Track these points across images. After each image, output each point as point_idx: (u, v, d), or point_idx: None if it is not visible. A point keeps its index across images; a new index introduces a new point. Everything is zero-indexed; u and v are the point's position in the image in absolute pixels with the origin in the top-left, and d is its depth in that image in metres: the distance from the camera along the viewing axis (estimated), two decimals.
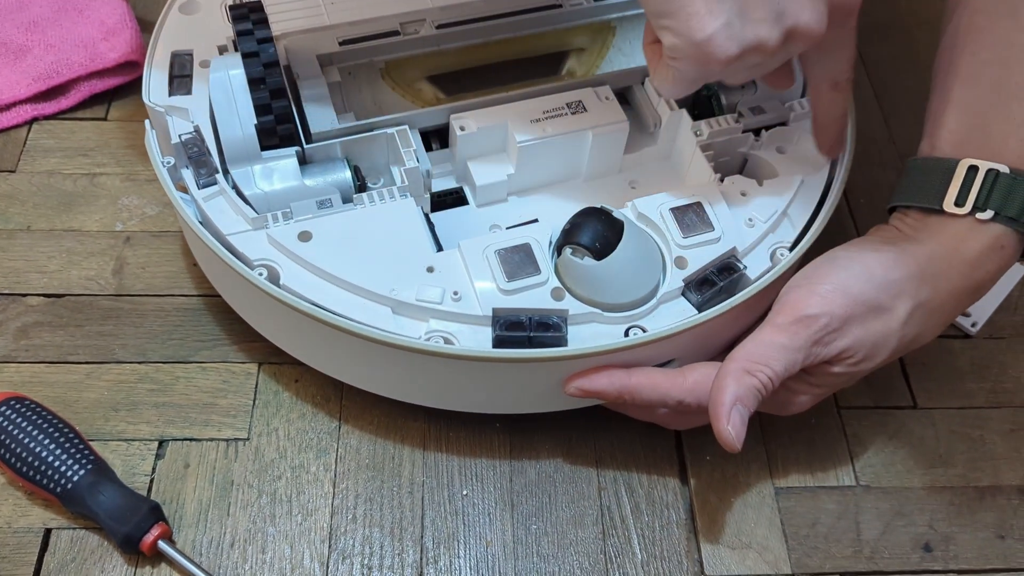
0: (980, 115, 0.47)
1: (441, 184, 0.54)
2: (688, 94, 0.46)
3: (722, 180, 0.52)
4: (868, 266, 0.45)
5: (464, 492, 0.51)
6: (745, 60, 0.42)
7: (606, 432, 0.54)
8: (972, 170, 0.46)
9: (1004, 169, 0.45)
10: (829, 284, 0.45)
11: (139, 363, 0.54)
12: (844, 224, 0.63)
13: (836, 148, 0.53)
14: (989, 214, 0.45)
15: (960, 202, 0.46)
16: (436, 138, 0.55)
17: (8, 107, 0.63)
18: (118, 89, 0.66)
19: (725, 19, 0.40)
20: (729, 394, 0.43)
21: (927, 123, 0.50)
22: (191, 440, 0.52)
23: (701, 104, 0.57)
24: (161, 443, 0.52)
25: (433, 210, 0.53)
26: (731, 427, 0.43)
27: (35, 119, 0.64)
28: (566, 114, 0.53)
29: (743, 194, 0.52)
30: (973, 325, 0.60)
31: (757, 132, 0.55)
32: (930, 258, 0.46)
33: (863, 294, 0.44)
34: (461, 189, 0.54)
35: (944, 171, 0.46)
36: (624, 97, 0.58)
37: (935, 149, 0.48)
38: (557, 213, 0.49)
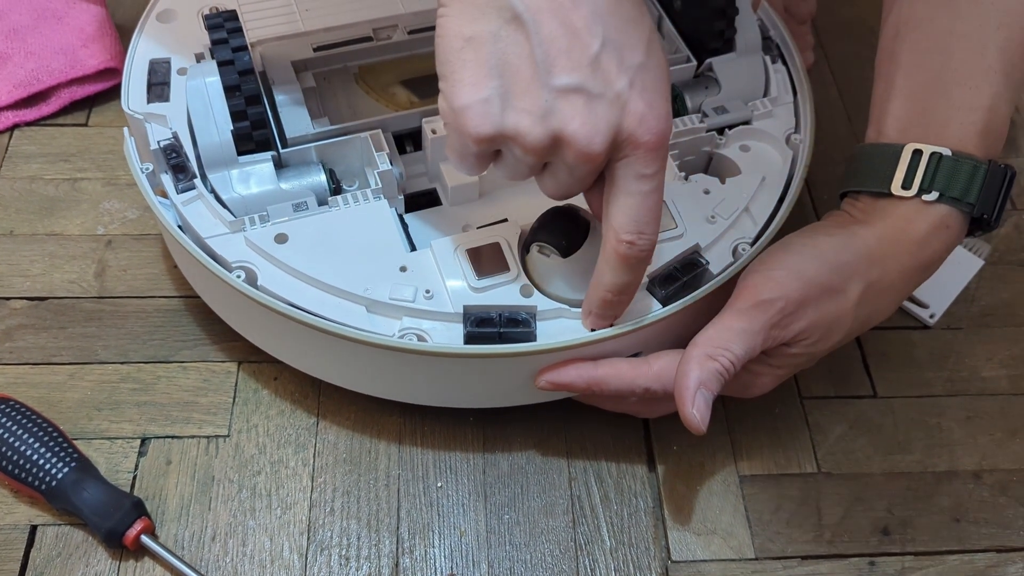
0: (922, 101, 0.49)
1: (415, 185, 0.56)
2: (470, 173, 0.43)
3: (686, 178, 0.54)
4: (820, 250, 0.47)
5: (439, 484, 0.53)
6: (506, 147, 0.41)
7: (576, 424, 0.55)
8: (917, 154, 0.48)
9: (947, 152, 0.47)
10: (784, 269, 0.47)
11: (121, 363, 0.56)
12: (808, 219, 0.65)
13: (592, 321, 0.48)
14: (934, 195, 0.47)
15: (907, 185, 0.48)
16: (410, 141, 0.56)
17: None
18: (98, 95, 0.67)
19: (486, 95, 0.39)
20: (693, 379, 0.45)
21: (872, 111, 0.52)
22: (173, 438, 0.53)
23: None
24: (143, 441, 0.53)
25: (407, 210, 0.54)
26: (696, 411, 0.44)
27: (16, 125, 0.65)
28: None
29: (706, 192, 0.53)
30: (931, 316, 0.62)
31: (721, 131, 0.57)
32: (879, 240, 0.48)
33: (817, 277, 0.46)
34: (434, 190, 0.55)
35: (890, 156, 0.48)
36: None
37: (881, 135, 0.50)
38: (527, 213, 0.50)
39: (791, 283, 0.46)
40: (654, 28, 0.41)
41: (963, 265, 0.64)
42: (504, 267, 0.48)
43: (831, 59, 0.76)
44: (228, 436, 0.53)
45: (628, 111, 0.39)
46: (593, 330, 0.47)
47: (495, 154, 0.42)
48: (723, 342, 0.45)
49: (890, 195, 0.48)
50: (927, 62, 0.49)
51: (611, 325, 0.48)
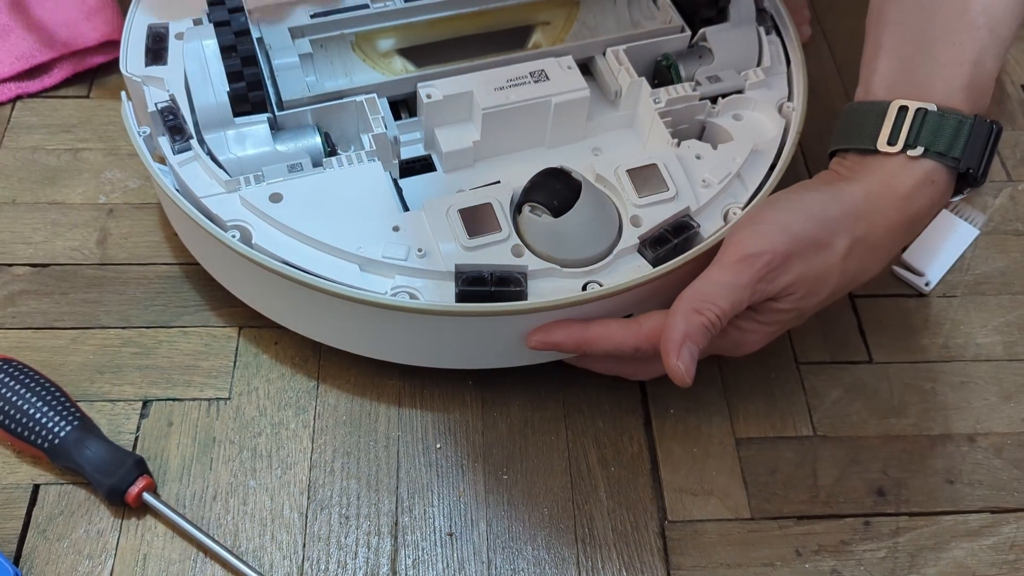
0: (908, 59, 0.49)
1: (410, 152, 0.56)
2: None
3: (679, 144, 0.54)
4: (807, 205, 0.48)
5: (438, 446, 0.53)
6: None
7: (574, 388, 0.56)
8: (902, 110, 0.48)
9: (932, 108, 0.48)
10: (770, 223, 0.47)
11: (123, 328, 0.56)
12: (798, 171, 0.65)
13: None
14: (919, 150, 0.48)
15: (892, 141, 0.48)
16: (405, 108, 0.57)
17: None
18: (99, 68, 0.68)
19: None
20: (678, 331, 0.45)
21: (861, 71, 0.52)
22: (174, 400, 0.54)
23: (660, 74, 0.59)
24: (145, 403, 0.54)
25: (402, 176, 0.55)
26: (680, 362, 0.45)
27: (19, 97, 0.66)
28: (529, 82, 0.55)
29: (698, 157, 0.54)
30: (927, 284, 0.62)
31: (714, 100, 0.58)
32: (866, 195, 0.48)
33: (803, 231, 0.47)
34: (429, 156, 0.56)
35: (877, 113, 0.49)
36: (587, 68, 0.60)
37: (869, 94, 0.50)
38: (520, 176, 0.51)
39: (777, 237, 0.46)
40: None
41: (959, 234, 0.65)
42: (496, 227, 0.49)
43: (828, 34, 0.76)
44: (229, 399, 0.54)
45: None
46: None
47: None
48: (709, 296, 0.46)
49: (876, 152, 0.48)
50: (912, 20, 0.49)
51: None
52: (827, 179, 0.50)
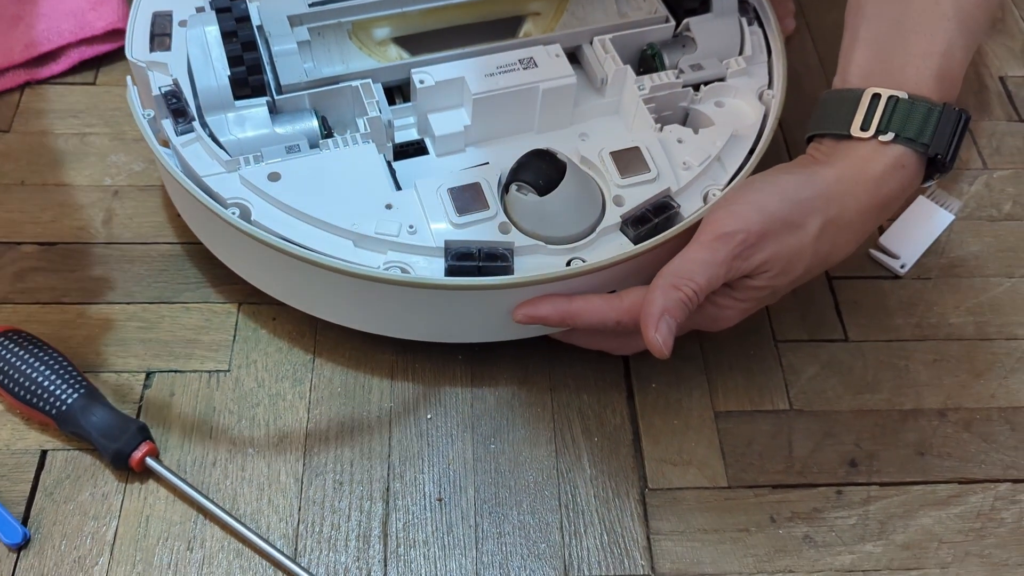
0: (883, 49, 0.52)
1: (404, 136, 0.59)
2: None
3: (661, 129, 0.57)
4: (781, 187, 0.50)
5: (428, 416, 0.56)
6: None
7: (560, 363, 0.58)
8: (875, 97, 0.50)
9: (903, 95, 0.50)
10: (746, 204, 0.49)
11: (127, 304, 0.59)
12: (780, 158, 0.67)
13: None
14: (890, 136, 0.50)
15: (865, 126, 0.50)
16: (399, 94, 0.59)
17: (2, 72, 0.67)
18: (106, 56, 0.70)
19: None
20: (657, 306, 0.47)
21: (840, 60, 0.54)
22: (176, 372, 0.56)
23: (645, 62, 0.62)
24: (148, 375, 0.56)
25: (396, 159, 0.57)
26: (659, 335, 0.47)
27: (28, 83, 0.68)
28: (518, 69, 0.57)
29: (679, 141, 0.56)
30: (902, 267, 0.64)
31: (697, 87, 0.60)
32: (839, 178, 0.50)
33: (777, 211, 0.49)
34: (422, 140, 0.58)
35: (851, 100, 0.51)
36: (574, 56, 0.62)
37: (845, 82, 0.53)
38: (508, 159, 0.53)
39: (752, 216, 0.48)
40: None
41: (934, 219, 0.67)
42: (484, 205, 0.51)
43: (812, 27, 0.79)
44: (228, 371, 0.56)
45: None
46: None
47: None
48: (687, 272, 0.48)
49: (850, 136, 0.51)
50: (887, 12, 0.52)
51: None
52: (803, 163, 0.53)
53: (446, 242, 0.50)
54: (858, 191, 0.50)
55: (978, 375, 0.60)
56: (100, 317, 0.58)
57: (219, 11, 0.52)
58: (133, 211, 0.63)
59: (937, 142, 0.50)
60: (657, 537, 0.52)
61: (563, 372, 0.58)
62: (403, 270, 0.50)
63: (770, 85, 0.60)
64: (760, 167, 0.55)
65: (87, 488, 0.52)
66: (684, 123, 0.60)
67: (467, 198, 0.51)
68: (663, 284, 0.48)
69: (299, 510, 0.52)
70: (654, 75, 0.59)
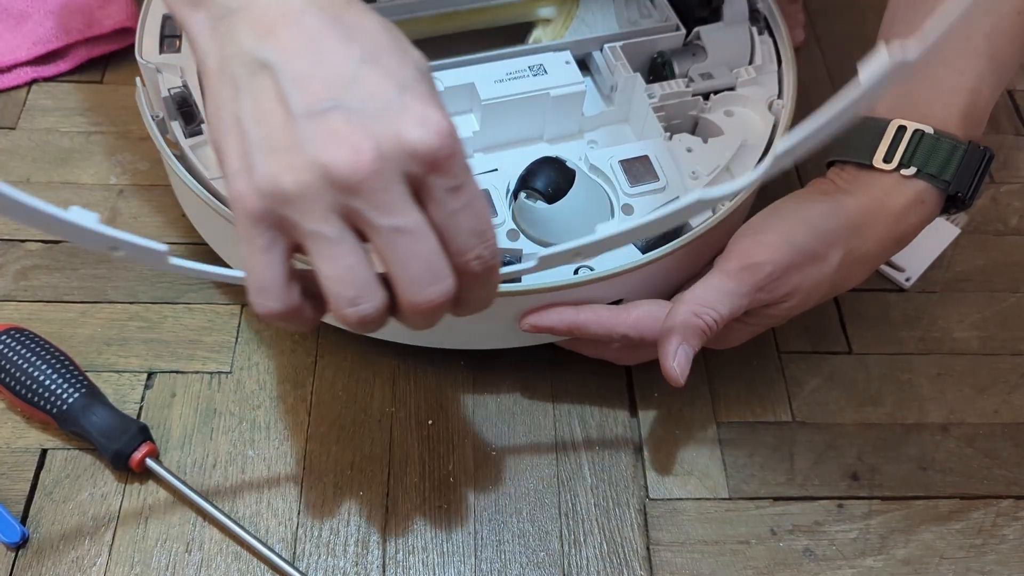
0: (911, 82, 0.51)
1: None
2: (277, 301, 0.37)
3: (670, 138, 0.57)
4: (808, 216, 0.49)
5: (429, 422, 0.56)
6: (285, 217, 0.35)
7: (562, 370, 0.58)
8: (901, 130, 0.50)
9: (929, 130, 0.49)
10: (774, 234, 0.49)
11: (130, 303, 0.58)
12: (789, 178, 0.68)
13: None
14: (912, 170, 0.49)
15: (888, 158, 0.50)
16: None
17: (9, 69, 0.67)
18: (113, 54, 0.70)
19: (242, 163, 0.35)
20: (676, 334, 0.47)
21: None
22: (177, 372, 0.56)
23: (655, 70, 0.62)
24: (150, 375, 0.56)
25: None
26: (676, 364, 0.47)
27: (35, 81, 0.68)
28: (528, 76, 0.57)
29: (689, 150, 0.56)
30: (907, 280, 0.64)
31: (706, 96, 0.60)
32: (861, 210, 0.50)
33: (804, 243, 0.48)
34: None
35: (877, 130, 0.51)
36: (584, 64, 0.62)
37: (872, 111, 0.52)
38: (517, 166, 0.53)
39: (781, 248, 0.48)
40: (422, 59, 0.38)
41: (940, 233, 0.67)
42: (492, 212, 0.51)
43: (821, 38, 0.79)
44: (230, 372, 0.56)
45: (404, 118, 0.34)
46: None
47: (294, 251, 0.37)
48: (710, 301, 0.47)
49: (872, 167, 0.50)
50: None
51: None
52: (824, 189, 0.52)
53: None
54: (878, 224, 0.50)
55: (982, 390, 0.59)
56: (102, 316, 0.58)
57: None
58: (138, 210, 0.62)
59: (959, 180, 0.50)
60: (657, 548, 0.52)
61: (565, 380, 0.58)
62: None
63: (780, 95, 0.60)
64: (771, 180, 0.55)
65: (87, 488, 0.51)
66: (693, 132, 0.60)
67: None
68: (684, 311, 0.47)
69: (298, 514, 0.52)
70: (664, 83, 0.58)
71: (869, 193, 0.51)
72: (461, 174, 0.36)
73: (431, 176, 0.35)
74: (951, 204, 0.52)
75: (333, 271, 0.36)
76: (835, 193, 0.51)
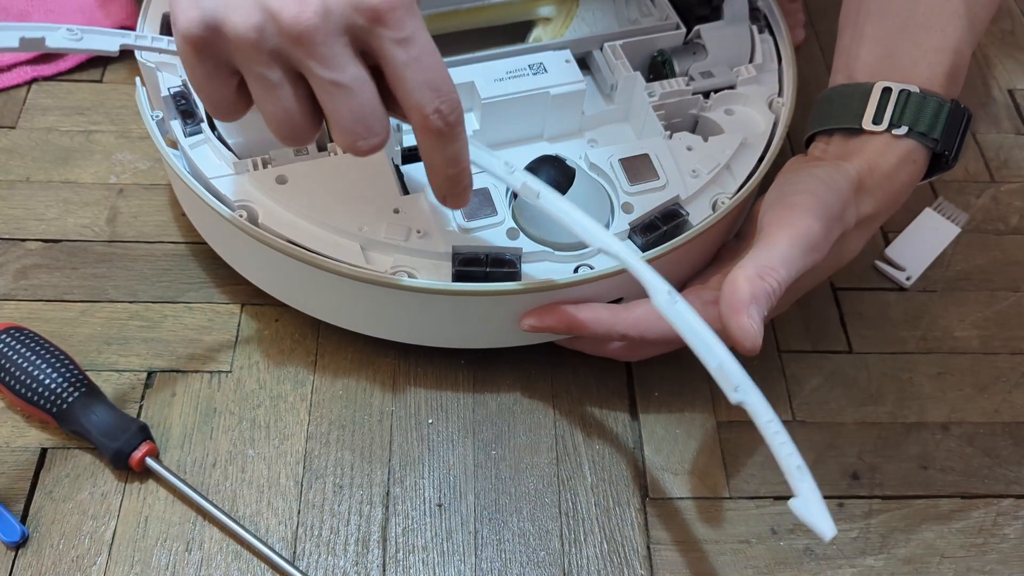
0: (891, 45, 0.51)
1: (412, 140, 0.58)
2: (224, 111, 0.41)
3: (671, 136, 0.57)
4: (822, 178, 0.48)
5: (430, 421, 0.56)
6: (229, 56, 0.37)
7: (562, 369, 0.58)
8: (886, 91, 0.50)
9: (915, 89, 0.50)
10: (803, 195, 0.47)
11: (130, 302, 0.58)
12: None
13: (452, 200, 0.45)
14: (904, 129, 0.50)
15: (877, 120, 0.50)
16: None
17: (9, 68, 0.67)
18: None
19: None
20: (745, 292, 0.43)
21: (838, 59, 0.54)
22: (177, 372, 0.56)
23: (656, 69, 0.61)
24: (150, 374, 0.56)
25: (404, 163, 0.57)
26: (752, 322, 0.42)
27: (34, 80, 0.68)
28: (528, 74, 0.57)
29: (689, 148, 0.56)
30: (908, 279, 0.64)
31: (707, 95, 0.60)
32: (859, 172, 0.50)
33: (830, 203, 0.47)
34: None
35: (861, 94, 0.51)
36: (584, 62, 0.62)
37: (851, 79, 0.52)
38: (517, 164, 0.53)
39: (814, 208, 0.46)
40: None
41: (940, 232, 0.67)
42: (492, 211, 0.51)
43: (821, 37, 0.79)
44: (230, 372, 0.56)
45: None
46: (455, 208, 0.47)
47: (241, 86, 0.40)
48: (773, 263, 0.44)
49: (862, 131, 0.50)
50: (895, 8, 0.52)
51: (464, 203, 0.46)
52: (818, 159, 0.52)
53: (454, 247, 0.50)
54: (874, 187, 0.50)
55: (982, 389, 0.59)
56: (102, 316, 0.58)
57: None
58: (138, 210, 0.62)
59: (946, 138, 0.50)
60: (657, 547, 0.52)
61: (566, 379, 0.58)
62: (410, 275, 0.49)
63: (780, 93, 0.60)
64: (769, 175, 0.55)
65: (86, 487, 0.51)
66: (694, 130, 0.60)
67: (475, 203, 0.51)
68: (748, 274, 0.44)
69: (298, 513, 0.51)
70: (664, 82, 0.58)
71: (863, 156, 0.51)
72: (409, 26, 0.37)
73: (377, 28, 0.36)
74: (935, 167, 0.52)
75: (272, 111, 0.39)
76: (830, 160, 0.51)
